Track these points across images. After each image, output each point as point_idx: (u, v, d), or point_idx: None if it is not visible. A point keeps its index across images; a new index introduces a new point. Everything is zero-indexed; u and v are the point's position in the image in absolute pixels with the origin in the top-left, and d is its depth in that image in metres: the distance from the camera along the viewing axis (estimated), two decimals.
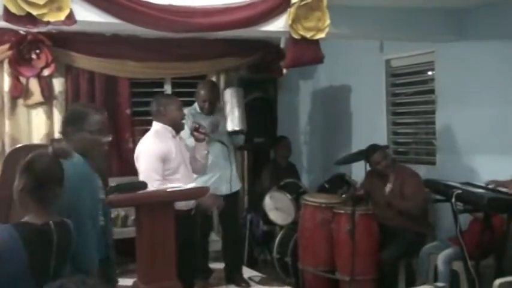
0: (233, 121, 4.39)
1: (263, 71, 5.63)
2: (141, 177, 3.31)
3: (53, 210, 2.08)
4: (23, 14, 2.85)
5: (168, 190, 2.93)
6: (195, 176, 3.81)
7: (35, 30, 3.76)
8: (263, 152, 5.60)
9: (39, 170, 2.04)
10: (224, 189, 4.42)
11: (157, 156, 3.40)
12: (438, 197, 3.71)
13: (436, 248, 3.96)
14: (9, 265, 1.92)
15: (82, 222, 2.19)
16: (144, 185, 2.87)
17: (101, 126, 2.48)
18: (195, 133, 3.65)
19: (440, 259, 3.78)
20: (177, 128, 3.59)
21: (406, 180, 4.14)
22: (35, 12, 2.85)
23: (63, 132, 2.51)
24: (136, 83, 5.30)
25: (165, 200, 2.87)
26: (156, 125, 3.59)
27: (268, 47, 5.57)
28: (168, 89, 5.47)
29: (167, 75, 5.44)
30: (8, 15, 2.84)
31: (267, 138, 5.35)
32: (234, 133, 4.49)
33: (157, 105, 3.61)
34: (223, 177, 4.40)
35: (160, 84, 5.47)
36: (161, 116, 3.56)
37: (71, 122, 2.47)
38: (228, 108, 4.42)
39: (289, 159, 5.47)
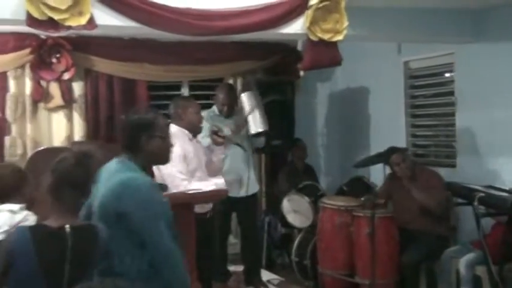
0: (255, 124, 4.38)
1: (280, 73, 5.63)
2: (168, 180, 3.25)
3: (74, 214, 2.08)
4: (45, 18, 2.90)
5: (188, 192, 2.93)
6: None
7: (57, 34, 3.81)
8: (280, 154, 5.60)
9: (59, 172, 2.06)
10: (242, 192, 4.42)
11: (179, 157, 3.36)
12: (460, 200, 3.66)
13: (458, 252, 3.91)
14: (20, 265, 1.95)
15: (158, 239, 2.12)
16: (165, 187, 2.88)
17: (168, 131, 2.35)
18: (214, 136, 3.66)
19: (463, 263, 3.73)
20: (195, 131, 3.60)
21: (429, 181, 4.10)
22: (56, 17, 2.90)
23: (131, 142, 2.25)
24: (154, 86, 5.33)
25: (185, 202, 2.88)
26: (173, 128, 3.57)
27: (285, 50, 5.56)
28: (185, 92, 5.50)
29: (185, 79, 5.47)
30: (31, 20, 2.88)
31: (284, 141, 5.34)
32: (257, 135, 4.48)
33: (176, 107, 3.61)
34: (241, 180, 4.40)
35: (178, 87, 5.51)
36: (179, 118, 3.56)
37: (142, 130, 2.24)
38: (247, 111, 4.42)
39: (306, 162, 5.46)
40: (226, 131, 4.09)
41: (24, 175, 2.59)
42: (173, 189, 3.13)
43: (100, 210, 2.17)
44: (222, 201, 3.80)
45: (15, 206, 2.48)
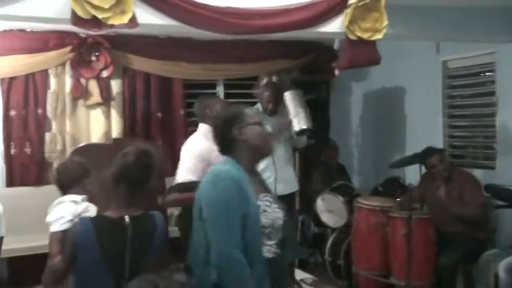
0: (299, 121, 4.37)
1: (315, 72, 5.61)
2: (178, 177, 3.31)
3: (133, 205, 2.13)
4: (89, 17, 2.95)
5: None
6: None
7: (100, 32, 3.88)
8: (314, 154, 5.58)
9: (120, 166, 2.13)
10: (282, 190, 4.41)
11: (200, 155, 3.39)
12: (500, 202, 3.59)
13: (497, 255, 3.83)
14: (84, 255, 2.04)
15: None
16: None
17: (259, 116, 2.20)
18: None
19: (502, 267, 3.65)
20: None
21: (465, 185, 4.03)
22: (100, 15, 2.95)
23: (228, 140, 2.17)
24: (189, 84, 5.39)
25: None
26: (202, 126, 3.60)
27: (321, 49, 5.55)
28: (220, 90, 5.54)
29: (220, 77, 5.50)
30: (76, 19, 2.94)
31: (318, 140, 5.32)
32: (300, 133, 4.46)
33: (203, 107, 3.61)
34: (281, 178, 4.39)
35: (213, 86, 5.54)
36: (207, 117, 3.56)
37: (232, 123, 2.16)
38: (291, 110, 4.41)
39: (338, 161, 5.43)
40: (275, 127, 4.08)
41: (85, 168, 2.71)
42: None
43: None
44: None
45: (78, 197, 2.62)
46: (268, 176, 4.15)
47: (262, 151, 2.20)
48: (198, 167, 3.32)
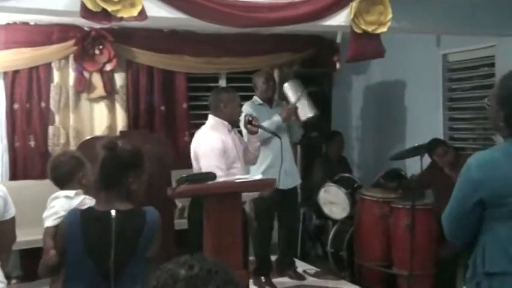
0: (304, 110, 4.41)
1: (317, 65, 5.65)
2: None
3: (122, 199, 2.12)
4: (98, 10, 2.98)
5: (237, 181, 2.99)
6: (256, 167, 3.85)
7: (108, 25, 3.89)
8: (316, 146, 5.63)
9: (101, 161, 2.14)
10: (290, 183, 4.46)
11: (219, 150, 3.37)
12: None
13: None
14: (71, 246, 2.08)
15: None
16: (213, 175, 2.95)
17: None
18: (249, 126, 3.62)
19: None
20: (233, 123, 3.60)
21: None
22: (110, 8, 2.98)
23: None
24: (192, 77, 5.41)
25: (234, 190, 2.94)
26: (212, 119, 3.56)
27: (322, 42, 5.59)
28: (223, 83, 5.56)
29: (223, 70, 5.53)
30: (85, 12, 2.97)
31: (321, 133, 5.37)
32: (307, 121, 4.50)
33: (218, 100, 3.55)
34: (288, 171, 4.44)
35: (216, 79, 5.57)
36: (220, 111, 3.53)
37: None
38: (293, 100, 4.45)
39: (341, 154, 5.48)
40: (268, 123, 4.12)
41: (80, 162, 2.69)
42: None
43: None
44: (267, 194, 3.84)
45: (71, 192, 2.58)
46: (274, 170, 4.19)
47: None
48: (222, 162, 3.32)
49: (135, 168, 2.14)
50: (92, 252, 2.06)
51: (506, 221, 1.94)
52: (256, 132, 3.69)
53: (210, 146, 3.40)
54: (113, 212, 2.08)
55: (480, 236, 2.00)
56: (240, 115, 3.65)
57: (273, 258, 4.76)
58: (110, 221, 2.07)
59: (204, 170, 3.35)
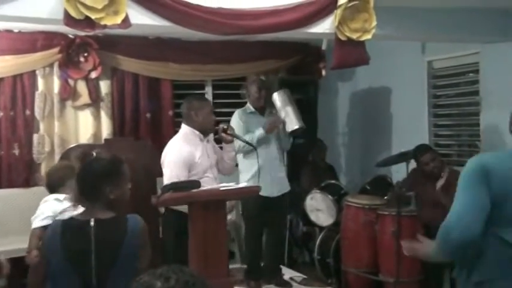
0: (291, 122, 4.40)
1: (302, 72, 5.67)
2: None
3: (102, 208, 2.11)
4: (82, 18, 2.96)
5: (221, 189, 2.98)
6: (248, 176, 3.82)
7: (92, 33, 3.87)
8: (302, 153, 5.62)
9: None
10: (278, 191, 4.45)
11: (182, 162, 3.36)
12: None
13: None
14: (52, 257, 2.06)
15: None
16: (198, 184, 2.94)
17: None
18: (223, 134, 3.59)
19: None
20: (206, 132, 3.56)
21: (452, 180, 4.11)
22: (93, 16, 2.96)
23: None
24: (178, 85, 5.40)
25: (218, 198, 2.93)
26: (184, 128, 3.55)
27: (308, 49, 5.61)
28: (208, 90, 5.56)
29: (208, 77, 5.53)
30: (68, 19, 2.95)
31: (306, 140, 5.37)
32: (293, 133, 4.49)
33: (189, 108, 3.54)
34: (276, 180, 4.43)
35: (202, 86, 5.56)
36: (192, 120, 3.52)
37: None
38: (281, 110, 4.44)
39: (326, 161, 5.48)
40: (249, 137, 4.14)
41: (72, 169, 2.72)
42: None
43: None
44: (255, 201, 3.82)
45: (61, 196, 2.66)
46: (261, 179, 4.18)
47: None
48: (184, 175, 3.30)
49: (111, 177, 2.13)
50: (73, 262, 2.04)
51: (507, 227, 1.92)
52: (231, 141, 3.66)
53: (174, 156, 3.41)
54: (92, 221, 2.06)
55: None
56: (212, 123, 3.60)
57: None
58: (89, 230, 2.05)
59: (164, 179, 3.38)
